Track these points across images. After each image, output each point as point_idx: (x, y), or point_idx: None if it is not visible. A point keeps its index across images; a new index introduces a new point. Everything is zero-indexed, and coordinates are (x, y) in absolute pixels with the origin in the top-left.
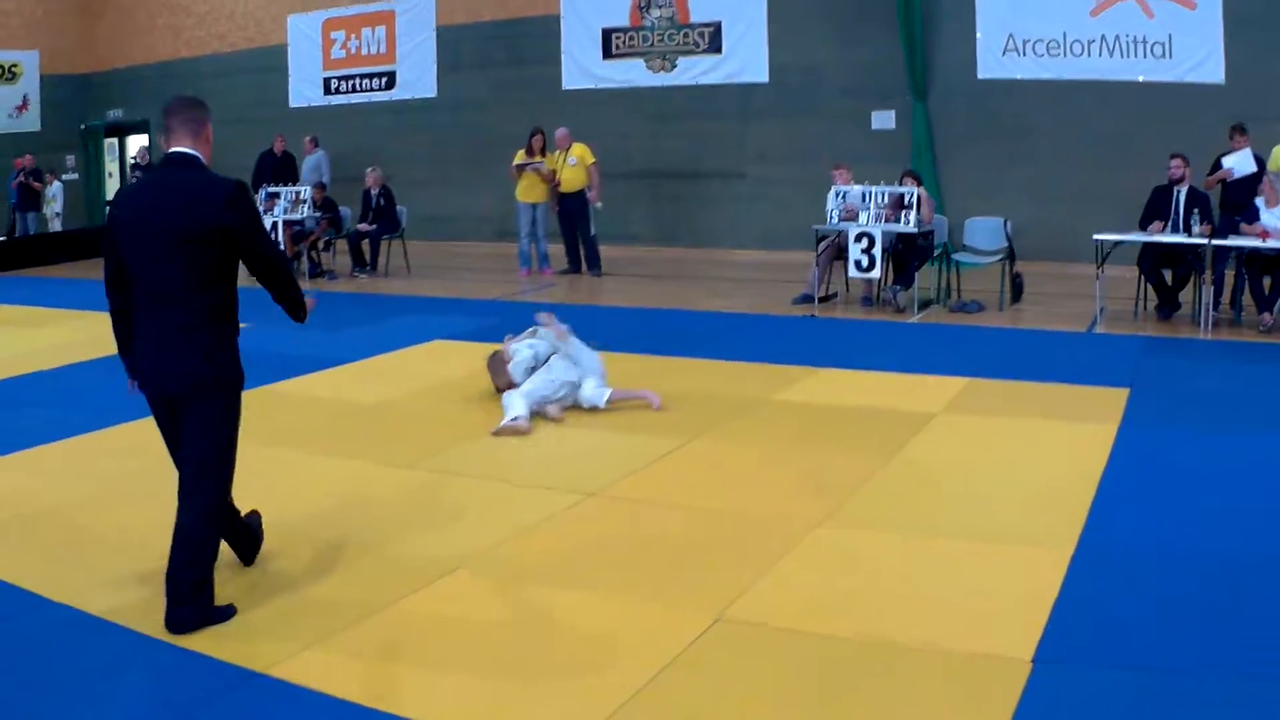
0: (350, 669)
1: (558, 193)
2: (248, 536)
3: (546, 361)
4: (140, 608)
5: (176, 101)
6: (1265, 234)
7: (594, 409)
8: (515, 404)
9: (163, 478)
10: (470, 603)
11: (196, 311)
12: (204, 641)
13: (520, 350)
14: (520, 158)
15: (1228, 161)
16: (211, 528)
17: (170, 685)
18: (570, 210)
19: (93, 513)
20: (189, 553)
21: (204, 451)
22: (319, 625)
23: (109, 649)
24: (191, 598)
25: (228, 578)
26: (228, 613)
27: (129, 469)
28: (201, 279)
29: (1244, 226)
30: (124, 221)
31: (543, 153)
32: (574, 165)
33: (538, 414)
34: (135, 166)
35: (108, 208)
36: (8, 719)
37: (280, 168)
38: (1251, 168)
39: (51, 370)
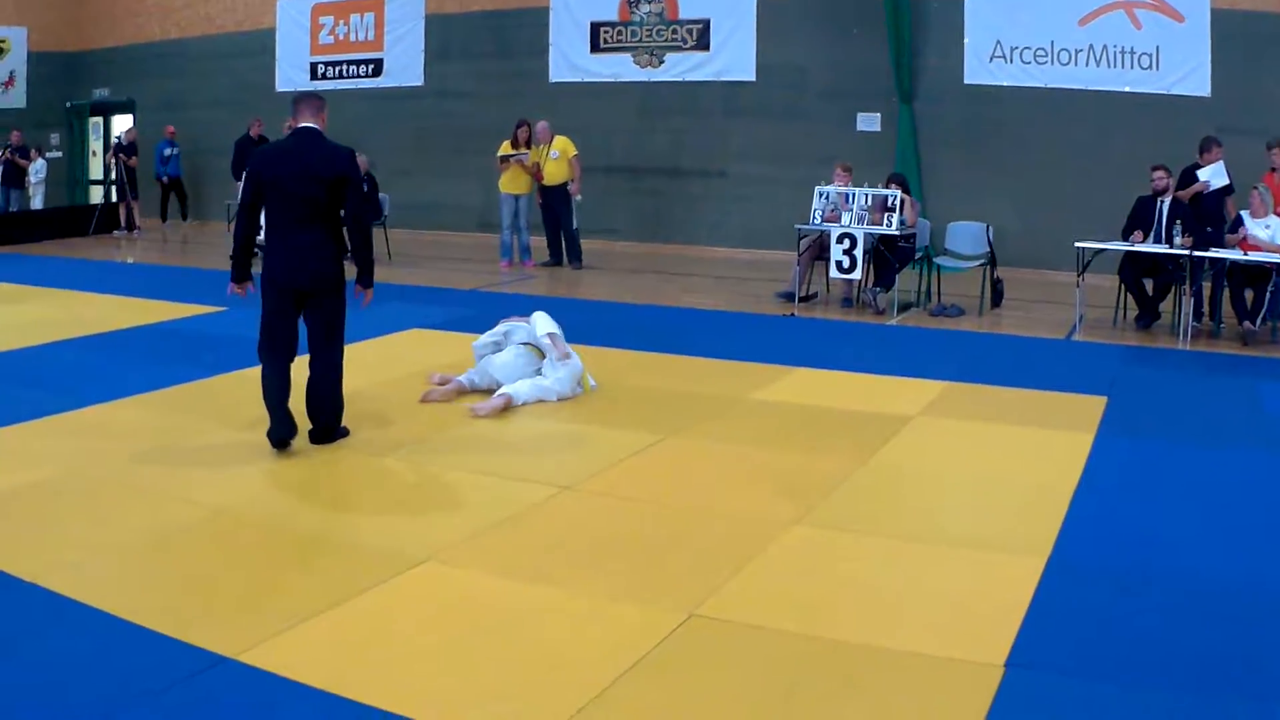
0: (318, 657)
1: (541, 185)
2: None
3: (502, 350)
4: (105, 586)
5: (304, 93)
6: (1247, 245)
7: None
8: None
9: (126, 459)
10: (439, 595)
11: (324, 233)
12: (172, 625)
13: (493, 333)
14: (505, 149)
15: (1203, 174)
16: (341, 368)
17: (138, 667)
18: (553, 203)
19: (55, 493)
20: (330, 387)
21: (333, 323)
22: (287, 612)
23: (74, 629)
24: (335, 418)
25: (197, 554)
26: (346, 432)
27: (94, 450)
28: (327, 212)
29: (1228, 237)
30: (272, 170)
31: (528, 145)
32: (556, 159)
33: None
34: (119, 148)
35: (251, 161)
36: None
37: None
38: (1225, 180)
39: (22, 349)
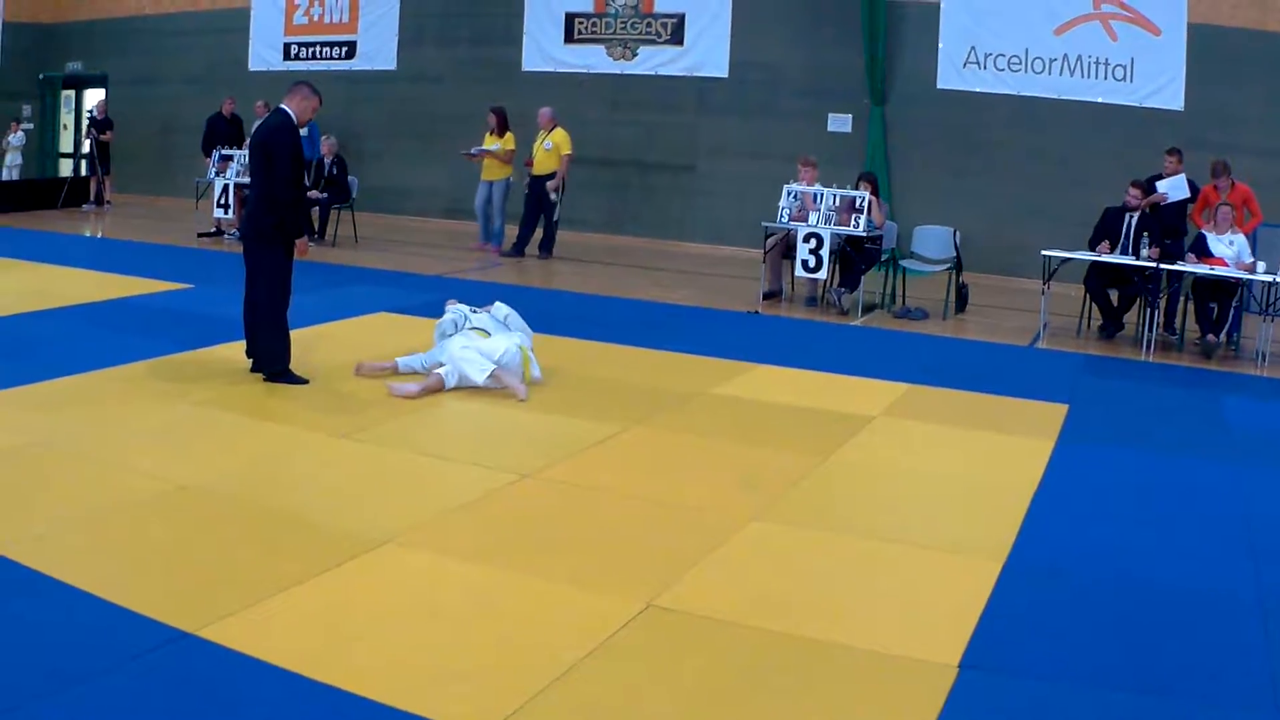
0: (278, 635)
1: (530, 173)
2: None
3: (450, 336)
4: (69, 559)
5: (297, 82)
6: (1212, 260)
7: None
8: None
9: (90, 432)
10: (398, 577)
11: (260, 191)
12: (134, 599)
13: (445, 316)
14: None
15: (1162, 186)
16: (268, 311)
17: (100, 641)
18: (540, 191)
19: (20, 464)
20: (257, 323)
21: (257, 267)
22: (249, 590)
23: (36, 601)
24: (265, 354)
25: (160, 529)
26: (294, 380)
27: (59, 423)
28: (263, 174)
29: (1189, 256)
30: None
31: (498, 133)
32: (550, 150)
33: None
34: (91, 121)
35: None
36: None
37: (229, 130)
38: (1185, 193)
39: None
